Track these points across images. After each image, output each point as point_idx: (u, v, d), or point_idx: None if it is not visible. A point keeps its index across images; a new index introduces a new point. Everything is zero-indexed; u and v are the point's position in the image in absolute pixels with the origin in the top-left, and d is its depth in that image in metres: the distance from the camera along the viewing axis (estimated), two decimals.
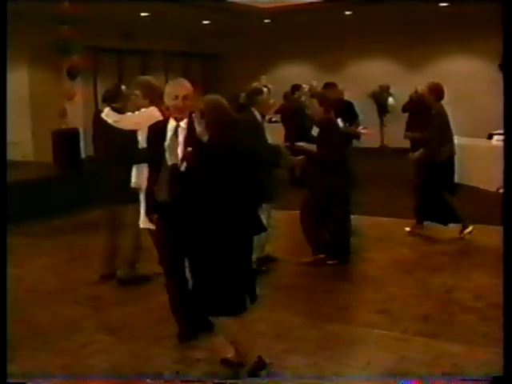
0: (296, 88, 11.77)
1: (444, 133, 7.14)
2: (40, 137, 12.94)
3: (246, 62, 16.55)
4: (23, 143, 13.18)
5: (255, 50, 16.79)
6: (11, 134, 12.48)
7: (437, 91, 7.12)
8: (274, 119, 14.55)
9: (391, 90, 14.78)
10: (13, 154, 12.16)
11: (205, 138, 3.73)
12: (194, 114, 3.83)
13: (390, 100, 14.38)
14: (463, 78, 13.94)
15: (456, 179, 7.41)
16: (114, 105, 5.70)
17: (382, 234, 7.66)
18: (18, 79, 13.26)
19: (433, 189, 7.10)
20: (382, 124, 15.17)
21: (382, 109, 14.85)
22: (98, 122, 5.83)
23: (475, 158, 10.13)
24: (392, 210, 8.75)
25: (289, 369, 4.04)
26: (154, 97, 5.23)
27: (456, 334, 4.50)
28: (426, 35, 14.63)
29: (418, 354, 4.19)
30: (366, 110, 11.17)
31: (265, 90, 6.16)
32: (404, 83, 13.35)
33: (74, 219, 8.94)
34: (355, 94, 11.03)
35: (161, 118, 4.69)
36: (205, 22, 15.99)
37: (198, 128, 3.76)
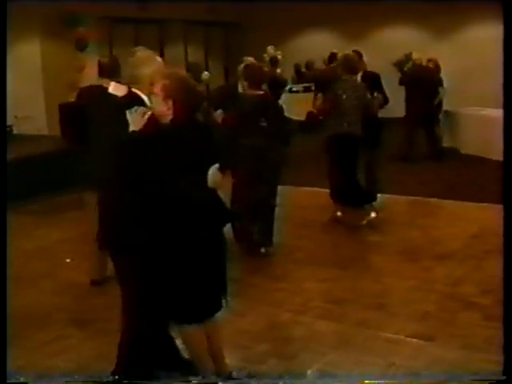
0: (334, 57, 11.36)
1: None
2: (54, 110, 12.69)
3: (267, 31, 15.94)
4: (37, 117, 12.94)
5: (276, 18, 16.17)
6: (25, 108, 12.47)
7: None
8: (294, 89, 14.08)
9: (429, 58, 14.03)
10: (27, 128, 12.03)
11: (166, 120, 3.32)
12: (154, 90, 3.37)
13: None
14: (490, 46, 13.16)
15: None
16: (115, 78, 5.28)
17: (392, 214, 7.16)
18: (31, 52, 13.00)
19: None
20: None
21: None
22: (99, 98, 5.40)
23: None
24: (409, 187, 8.25)
25: (264, 372, 3.66)
26: None
27: (454, 337, 4.05)
28: (452, 2, 13.85)
29: (407, 360, 3.77)
30: (390, 79, 10.62)
31: None
32: (429, 51, 12.64)
33: (75, 196, 8.64)
34: (379, 63, 10.48)
35: None
36: None
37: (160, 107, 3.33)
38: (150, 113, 3.31)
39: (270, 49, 14.80)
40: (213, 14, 16.15)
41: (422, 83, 10.01)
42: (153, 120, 3.31)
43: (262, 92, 5.64)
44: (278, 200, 6.10)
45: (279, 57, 14.66)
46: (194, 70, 13.80)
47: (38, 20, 12.56)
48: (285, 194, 6.92)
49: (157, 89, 3.29)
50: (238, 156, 5.49)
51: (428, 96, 10.15)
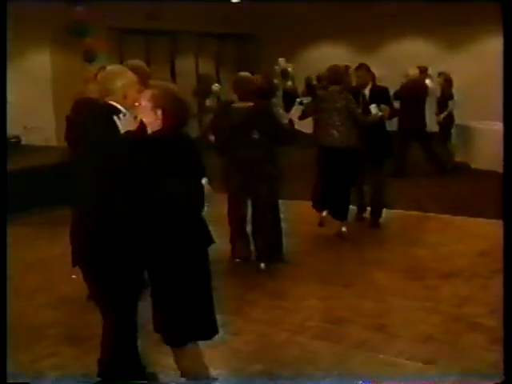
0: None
1: None
2: (62, 121, 12.64)
3: (280, 43, 15.86)
4: (46, 128, 12.91)
5: (289, 30, 16.07)
6: (34, 119, 12.44)
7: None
8: (305, 101, 13.96)
9: (429, 72, 13.86)
10: (35, 138, 11.99)
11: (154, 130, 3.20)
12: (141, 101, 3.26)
13: (428, 82, 13.49)
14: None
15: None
16: None
17: (399, 230, 6.98)
18: (41, 63, 13.03)
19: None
20: None
21: None
22: (87, 109, 5.34)
23: None
24: (417, 202, 8.06)
25: None
26: (146, 81, 4.85)
27: (457, 361, 3.85)
28: (466, 15, 13.67)
29: None
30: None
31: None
32: (443, 65, 12.48)
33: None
34: (390, 76, 10.36)
35: None
36: (235, 1, 15.38)
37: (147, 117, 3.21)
38: (139, 118, 3.25)
39: (281, 61, 14.73)
40: (225, 27, 16.09)
41: (413, 98, 9.93)
42: (143, 127, 3.24)
43: (251, 104, 5.47)
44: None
45: (290, 69, 14.59)
46: (204, 81, 13.81)
47: (48, 30, 12.58)
48: (287, 208, 6.77)
49: (144, 99, 3.23)
50: (229, 169, 5.37)
51: (418, 111, 10.04)
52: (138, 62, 5.54)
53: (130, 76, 3.48)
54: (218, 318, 4.54)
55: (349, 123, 6.40)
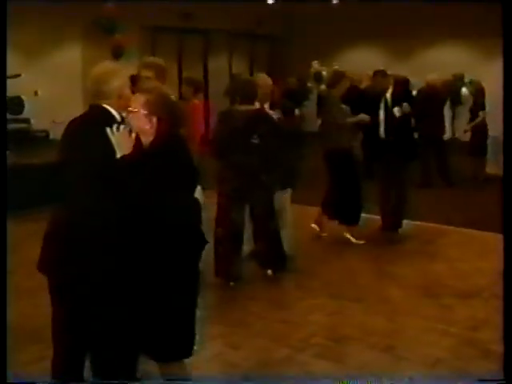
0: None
1: None
2: None
3: (315, 45, 15.61)
4: None
5: (324, 32, 15.80)
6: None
7: None
8: None
9: (466, 80, 13.47)
10: None
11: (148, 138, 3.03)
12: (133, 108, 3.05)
13: (464, 90, 13.09)
14: None
15: None
16: None
17: (419, 244, 6.70)
18: (72, 58, 13.02)
19: None
20: (453, 116, 13.87)
21: (455, 99, 13.55)
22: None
23: None
24: (440, 213, 7.78)
25: None
26: (165, 78, 4.79)
27: (463, 377, 3.60)
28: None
29: None
30: None
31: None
32: (479, 72, 12.10)
33: None
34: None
35: None
36: (270, 2, 15.21)
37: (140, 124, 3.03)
38: (134, 133, 3.03)
39: (315, 64, 14.48)
40: (259, 27, 15.93)
41: (430, 104, 9.56)
42: (138, 140, 3.04)
43: (254, 107, 5.26)
44: (290, 218, 5.87)
45: (324, 72, 14.32)
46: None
47: (80, 26, 12.58)
48: (301, 213, 6.62)
49: (137, 104, 3.02)
50: (224, 173, 5.14)
51: (435, 117, 9.70)
52: (154, 59, 5.43)
53: (126, 74, 3.23)
54: (219, 328, 4.45)
55: (350, 128, 6.59)
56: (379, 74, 7.33)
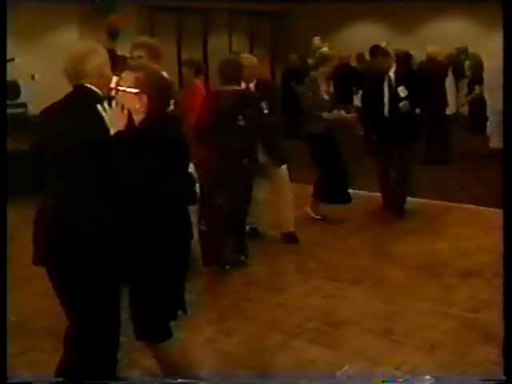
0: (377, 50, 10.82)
1: None
2: None
3: (316, 21, 15.33)
4: None
5: (324, 8, 15.51)
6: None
7: None
8: None
9: (469, 53, 13.19)
10: None
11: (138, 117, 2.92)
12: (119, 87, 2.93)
13: (467, 63, 12.82)
14: None
15: None
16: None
17: (421, 222, 6.54)
18: (69, 40, 12.80)
19: None
20: (457, 90, 13.60)
21: (459, 73, 13.27)
22: None
23: None
24: (444, 190, 7.60)
25: None
26: (159, 58, 4.64)
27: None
28: None
29: None
30: None
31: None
32: (483, 45, 11.82)
33: None
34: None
35: None
36: None
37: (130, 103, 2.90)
38: (126, 109, 2.89)
39: (316, 40, 14.19)
40: (259, 4, 15.64)
41: (431, 78, 9.14)
42: (129, 118, 2.92)
43: (238, 87, 5.03)
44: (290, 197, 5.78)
45: (325, 48, 14.04)
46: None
47: (76, 7, 12.38)
48: (301, 193, 6.49)
49: (126, 82, 2.90)
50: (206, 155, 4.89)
51: (436, 92, 9.31)
52: (147, 38, 5.28)
53: (104, 52, 3.09)
54: (211, 314, 4.33)
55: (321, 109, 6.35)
56: (380, 52, 7.10)
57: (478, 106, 9.85)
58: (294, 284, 4.96)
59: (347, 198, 6.53)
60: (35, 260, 3.01)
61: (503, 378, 2.76)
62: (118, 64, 4.73)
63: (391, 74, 6.66)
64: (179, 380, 3.05)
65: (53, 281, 3.06)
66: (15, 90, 10.80)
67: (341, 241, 5.98)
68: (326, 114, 6.30)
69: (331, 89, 6.64)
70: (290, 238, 5.87)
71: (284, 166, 5.82)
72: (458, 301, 4.50)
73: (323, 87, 6.42)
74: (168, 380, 3.08)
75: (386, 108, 6.64)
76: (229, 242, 5.17)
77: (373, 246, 5.78)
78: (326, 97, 6.40)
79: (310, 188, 6.67)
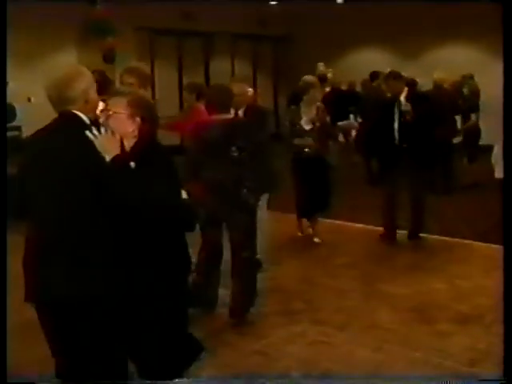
0: (376, 76, 10.82)
1: None
2: None
3: (319, 47, 15.13)
4: None
5: (328, 33, 15.32)
6: None
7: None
8: None
9: (475, 80, 12.89)
10: None
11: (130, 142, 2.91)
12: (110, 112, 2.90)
13: (465, 91, 12.51)
14: None
15: None
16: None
17: (419, 259, 6.19)
18: (66, 63, 12.61)
19: None
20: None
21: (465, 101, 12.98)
22: None
23: None
24: (446, 224, 7.27)
25: None
26: (148, 85, 4.59)
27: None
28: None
29: None
30: None
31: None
32: (490, 72, 11.54)
33: None
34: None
35: None
36: (272, 3, 14.76)
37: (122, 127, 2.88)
38: (118, 135, 2.85)
39: (320, 66, 13.97)
40: (262, 28, 15.47)
41: (439, 108, 8.92)
42: (121, 143, 2.87)
43: (230, 116, 4.65)
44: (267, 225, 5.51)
45: (329, 74, 13.81)
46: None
47: (73, 30, 12.21)
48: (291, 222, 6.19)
49: (118, 107, 2.87)
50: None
51: (444, 122, 9.04)
52: (137, 64, 5.16)
53: (89, 75, 2.91)
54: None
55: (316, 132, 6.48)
56: (390, 76, 6.81)
57: (473, 135, 9.54)
58: (276, 328, 4.57)
59: (325, 206, 6.62)
60: (28, 297, 2.91)
61: (503, 378, 2.70)
62: (106, 87, 4.54)
63: (402, 98, 6.48)
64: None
65: (47, 320, 2.86)
66: (11, 112, 10.77)
67: (330, 277, 5.62)
68: (297, 140, 6.36)
69: (323, 114, 6.55)
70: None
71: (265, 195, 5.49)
72: (452, 351, 4.12)
73: (311, 113, 6.39)
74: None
75: (396, 134, 6.39)
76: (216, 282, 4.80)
77: (363, 285, 5.43)
78: (307, 126, 6.37)
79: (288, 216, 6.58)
